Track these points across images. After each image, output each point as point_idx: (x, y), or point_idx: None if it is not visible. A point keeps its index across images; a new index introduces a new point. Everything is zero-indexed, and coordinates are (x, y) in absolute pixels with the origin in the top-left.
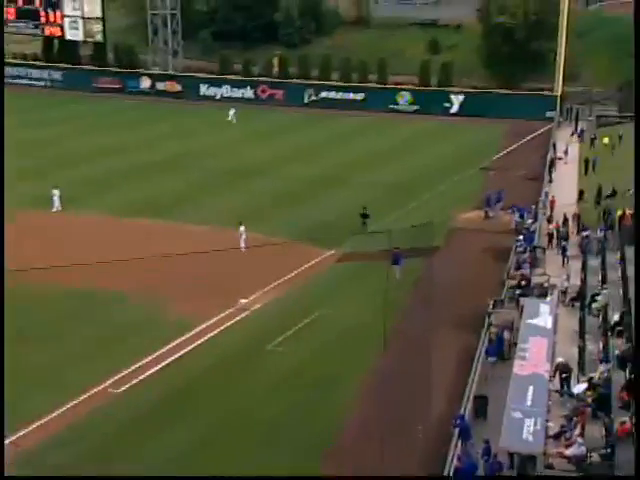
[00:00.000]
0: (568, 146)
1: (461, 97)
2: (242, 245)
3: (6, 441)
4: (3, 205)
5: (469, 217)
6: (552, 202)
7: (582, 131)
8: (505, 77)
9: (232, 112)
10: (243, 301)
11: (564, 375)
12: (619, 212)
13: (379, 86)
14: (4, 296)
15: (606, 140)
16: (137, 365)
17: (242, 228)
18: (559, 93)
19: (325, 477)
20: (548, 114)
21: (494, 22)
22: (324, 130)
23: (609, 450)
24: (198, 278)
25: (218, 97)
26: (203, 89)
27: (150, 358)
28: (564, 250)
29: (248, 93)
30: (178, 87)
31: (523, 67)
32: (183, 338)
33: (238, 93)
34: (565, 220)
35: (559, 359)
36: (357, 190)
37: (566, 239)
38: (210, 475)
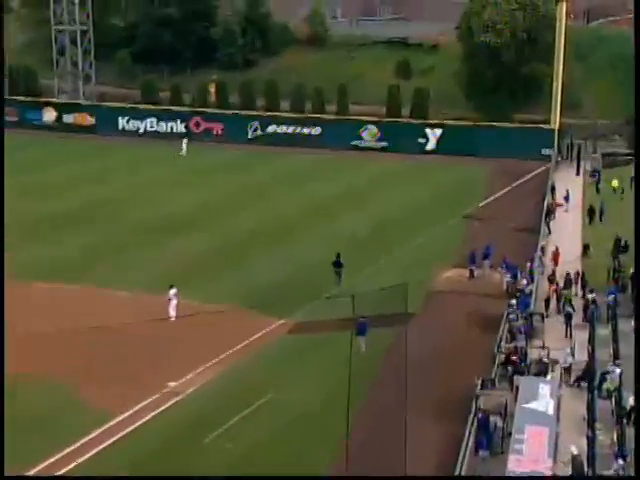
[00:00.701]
0: (569, 190)
1: (438, 131)
2: (172, 314)
3: None
4: (3, 207)
5: (450, 277)
6: (555, 255)
7: (597, 172)
8: (491, 107)
9: (185, 143)
10: (173, 384)
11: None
12: (632, 270)
13: (339, 118)
14: (4, 299)
15: (615, 183)
16: (38, 468)
17: (173, 292)
18: (556, 126)
19: (326, 477)
20: (544, 152)
21: (477, 41)
22: (272, 172)
23: None
24: (118, 355)
25: (141, 132)
26: (122, 122)
27: (57, 457)
28: (567, 317)
29: (178, 127)
30: (91, 120)
31: (512, 95)
32: (99, 431)
33: (166, 127)
34: (568, 280)
35: (573, 449)
36: (313, 244)
37: (569, 304)
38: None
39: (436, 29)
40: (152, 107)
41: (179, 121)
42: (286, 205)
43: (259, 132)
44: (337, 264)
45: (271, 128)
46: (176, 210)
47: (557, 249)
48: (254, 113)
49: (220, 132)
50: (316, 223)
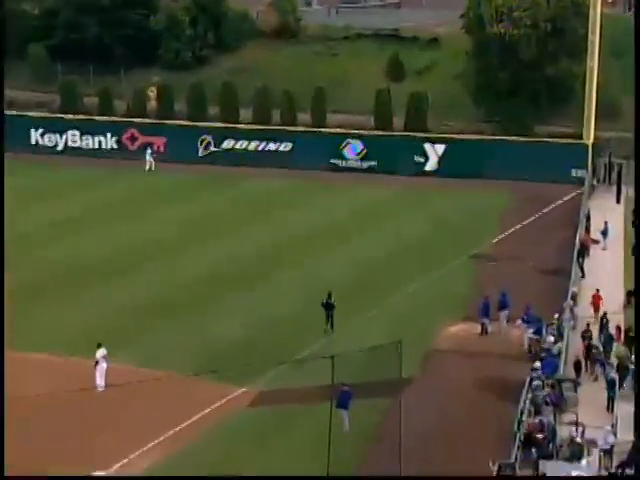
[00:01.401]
0: (607, 222)
1: (440, 147)
2: (100, 383)
3: None
4: (3, 207)
5: (457, 332)
6: (596, 300)
7: None
8: (507, 117)
9: (148, 154)
10: (99, 473)
11: None
12: None
13: (314, 130)
14: (4, 294)
15: None
16: None
17: (101, 354)
18: (590, 141)
19: (327, 477)
20: (575, 173)
21: (488, 33)
22: (228, 199)
23: None
24: (30, 436)
25: (59, 148)
26: (35, 136)
27: None
28: (610, 385)
29: (108, 142)
30: None
31: (534, 101)
32: None
33: (92, 142)
34: (607, 337)
35: None
36: (281, 293)
37: (611, 367)
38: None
39: (436, 18)
40: (74, 117)
41: (109, 135)
42: (246, 243)
43: (212, 148)
44: (327, 305)
45: (228, 143)
46: (104, 250)
47: (598, 292)
48: (206, 124)
49: (162, 148)
50: (285, 265)
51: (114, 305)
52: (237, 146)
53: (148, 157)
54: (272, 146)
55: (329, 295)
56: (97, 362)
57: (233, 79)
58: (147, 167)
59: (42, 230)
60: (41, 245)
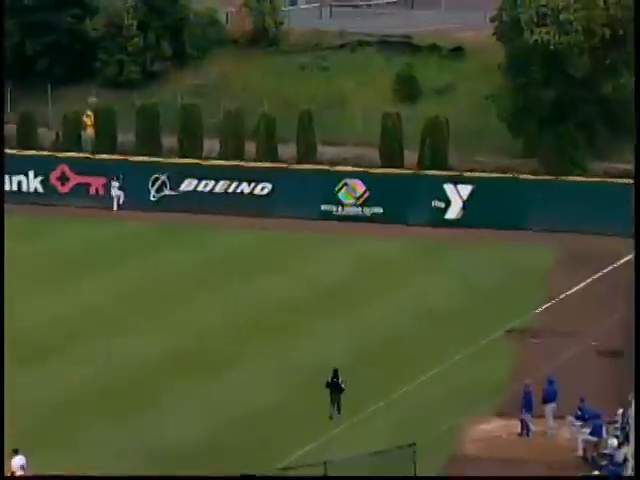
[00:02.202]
0: None
1: (466, 189)
2: None
3: None
4: (3, 206)
5: (490, 432)
6: None
7: None
8: (551, 149)
9: (115, 188)
10: None
11: None
12: None
13: (300, 167)
14: (4, 300)
15: None
16: None
17: (18, 462)
18: None
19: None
20: None
21: (528, 41)
22: (187, 259)
23: None
24: None
25: None
26: None
27: None
28: None
29: (31, 183)
30: None
31: (587, 129)
32: None
33: (10, 183)
34: None
35: None
36: (258, 379)
37: None
38: None
39: (459, 21)
40: None
41: (32, 173)
42: (211, 315)
43: (168, 191)
44: (334, 386)
45: (188, 184)
46: (20, 327)
47: None
48: (160, 159)
49: (101, 191)
50: (262, 342)
51: (36, 398)
52: (200, 188)
53: (114, 192)
54: (246, 188)
55: (335, 373)
56: (14, 473)
57: (195, 100)
58: (115, 206)
59: None
60: None
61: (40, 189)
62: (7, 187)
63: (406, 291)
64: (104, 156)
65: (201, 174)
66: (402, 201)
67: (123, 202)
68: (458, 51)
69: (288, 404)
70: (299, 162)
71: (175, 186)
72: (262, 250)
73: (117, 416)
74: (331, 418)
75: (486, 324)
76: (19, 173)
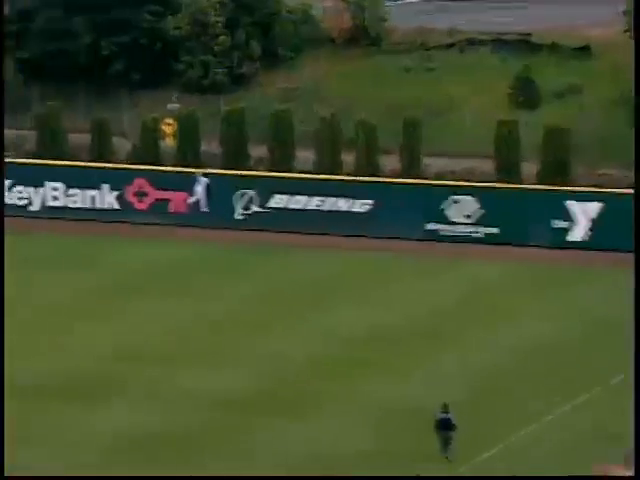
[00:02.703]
0: None
1: (592, 207)
2: None
3: None
4: (3, 206)
5: None
6: None
7: None
8: None
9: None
10: None
11: None
12: None
13: (404, 181)
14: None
15: None
16: None
17: None
18: None
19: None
20: None
21: None
22: (274, 282)
23: None
24: None
25: (34, 208)
26: None
27: None
28: None
29: (105, 198)
30: None
31: None
32: None
33: (82, 198)
34: None
35: None
36: (348, 418)
37: None
38: None
39: (585, 16)
40: (56, 163)
41: (106, 187)
42: (295, 347)
43: (256, 207)
44: (444, 424)
45: (278, 200)
46: (74, 364)
47: None
48: (247, 173)
49: (182, 208)
50: (350, 381)
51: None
52: (292, 204)
53: (199, 189)
54: (342, 204)
55: (445, 408)
56: None
57: (287, 106)
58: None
59: None
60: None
61: (115, 205)
62: (78, 203)
63: (518, 322)
64: (185, 169)
65: (293, 189)
66: (519, 220)
67: (202, 205)
68: (584, 50)
69: (384, 450)
70: (402, 175)
71: (264, 202)
72: (358, 273)
73: (196, 460)
74: (447, 459)
75: (615, 365)
76: (92, 187)
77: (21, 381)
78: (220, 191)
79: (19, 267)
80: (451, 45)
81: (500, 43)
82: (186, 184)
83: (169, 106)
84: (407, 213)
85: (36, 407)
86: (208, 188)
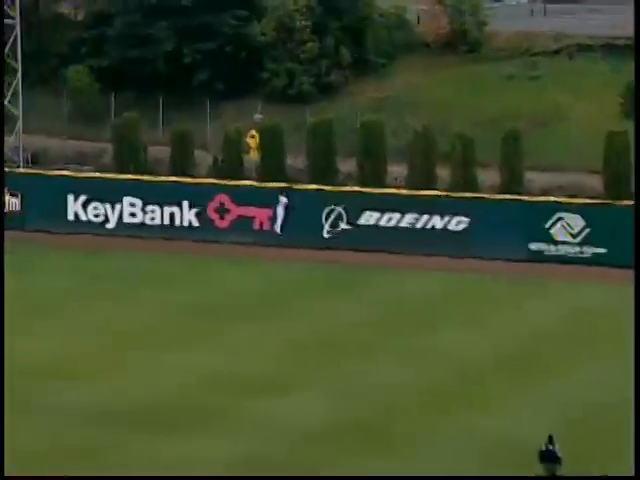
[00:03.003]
0: None
1: None
2: None
3: None
4: (3, 206)
5: None
6: None
7: None
8: None
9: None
10: None
11: None
12: None
13: (504, 197)
14: (4, 292)
15: None
16: None
17: None
18: None
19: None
20: None
21: None
22: (364, 306)
23: None
24: None
25: (111, 225)
26: (74, 207)
27: None
28: None
29: (184, 216)
30: (13, 202)
31: None
32: None
33: (160, 215)
34: None
35: None
36: (448, 453)
37: None
38: None
39: None
40: (133, 177)
41: (186, 204)
42: (390, 376)
43: (344, 226)
44: (549, 456)
45: (369, 218)
46: (165, 389)
47: None
48: (335, 188)
49: (266, 225)
50: (446, 416)
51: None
52: (383, 222)
53: (280, 210)
54: (438, 222)
55: (550, 440)
56: None
57: (378, 117)
58: (278, 222)
59: (64, 364)
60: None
61: (195, 223)
62: (156, 220)
63: (627, 352)
64: (268, 184)
65: (384, 205)
66: (631, 240)
67: (282, 226)
68: None
69: None
70: (502, 191)
71: (353, 219)
72: (454, 298)
73: None
74: None
75: None
76: (172, 204)
77: (115, 407)
78: (306, 208)
79: (97, 285)
80: (557, 51)
81: (611, 49)
82: (270, 200)
83: (254, 117)
84: (507, 232)
85: (126, 435)
86: (287, 209)
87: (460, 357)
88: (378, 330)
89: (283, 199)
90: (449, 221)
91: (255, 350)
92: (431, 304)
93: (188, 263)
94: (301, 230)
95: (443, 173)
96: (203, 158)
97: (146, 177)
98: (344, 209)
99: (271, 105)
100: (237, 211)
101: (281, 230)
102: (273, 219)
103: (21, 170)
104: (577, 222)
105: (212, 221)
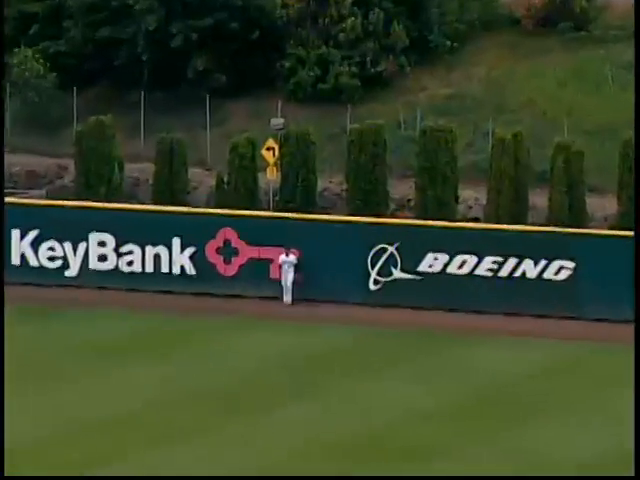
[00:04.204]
0: None
1: None
2: None
3: None
4: (3, 205)
5: None
6: None
7: None
8: None
9: (288, 263)
10: None
11: None
12: None
13: (612, 234)
14: (4, 299)
15: None
16: None
17: None
18: None
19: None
20: None
21: None
22: (449, 382)
23: None
24: None
25: (72, 273)
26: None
27: None
28: None
29: (177, 259)
30: None
31: None
32: None
33: (139, 260)
34: None
35: None
36: None
37: None
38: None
39: None
40: (102, 205)
41: (177, 243)
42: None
43: (398, 272)
44: None
45: (432, 261)
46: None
47: None
48: (386, 220)
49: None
50: None
51: None
52: (452, 268)
53: (286, 272)
54: (531, 268)
55: None
56: None
57: (446, 122)
58: (288, 296)
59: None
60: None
61: (190, 269)
62: (137, 265)
63: None
64: (291, 215)
65: (455, 245)
66: None
67: (299, 286)
68: None
69: None
70: (620, 225)
71: (411, 265)
72: (558, 377)
73: None
74: None
75: None
76: (157, 242)
77: None
78: (345, 248)
79: (49, 360)
80: None
81: None
82: (293, 237)
83: (273, 122)
84: (627, 281)
85: None
86: (296, 269)
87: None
88: (456, 427)
89: (289, 258)
90: (546, 267)
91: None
92: (526, 387)
93: (181, 327)
94: (337, 279)
95: (538, 200)
96: (201, 178)
97: (121, 205)
98: (398, 250)
99: (296, 106)
100: (248, 252)
101: (293, 299)
102: (280, 287)
103: None
104: None
105: (214, 266)
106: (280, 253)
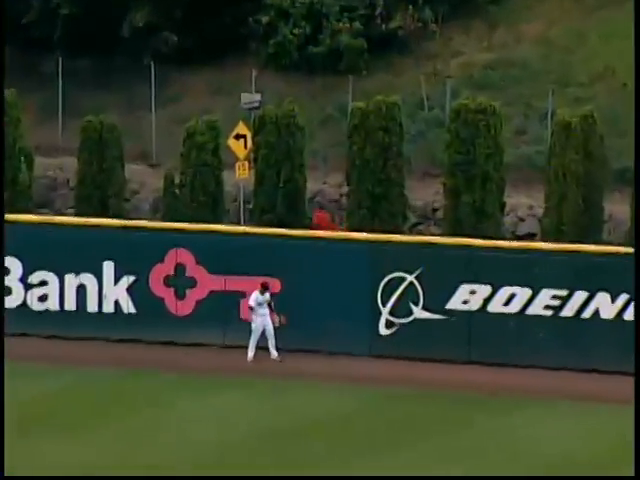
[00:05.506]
0: None
1: None
2: None
3: None
4: (3, 205)
5: None
6: None
7: None
8: None
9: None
10: None
11: None
12: None
13: None
14: (4, 299)
15: None
16: None
17: None
18: None
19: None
20: None
21: None
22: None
23: None
24: None
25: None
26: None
27: None
28: None
29: (110, 292)
30: None
31: None
32: None
33: (56, 293)
34: None
35: None
36: None
37: None
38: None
39: None
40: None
41: (109, 269)
42: None
43: (419, 310)
44: None
45: (466, 294)
46: None
47: None
48: (401, 238)
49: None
50: None
51: None
52: (494, 305)
53: (258, 316)
54: (606, 304)
55: None
56: None
57: (485, 98)
58: (251, 350)
59: None
60: None
61: (128, 306)
62: (53, 301)
63: None
64: (273, 229)
65: (497, 273)
66: None
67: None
68: None
69: None
70: None
71: (435, 301)
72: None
73: None
74: None
75: None
76: (81, 269)
77: None
78: (345, 276)
79: None
80: None
81: None
82: (271, 262)
83: (243, 99)
84: None
85: None
86: (270, 308)
87: None
88: None
89: (262, 297)
90: (628, 303)
91: None
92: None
93: (112, 389)
94: (335, 321)
95: (617, 208)
96: (143, 179)
97: (29, 217)
98: (419, 280)
99: (276, 76)
100: (210, 283)
101: (278, 351)
102: (254, 338)
103: None
104: None
105: (161, 302)
106: (253, 286)
